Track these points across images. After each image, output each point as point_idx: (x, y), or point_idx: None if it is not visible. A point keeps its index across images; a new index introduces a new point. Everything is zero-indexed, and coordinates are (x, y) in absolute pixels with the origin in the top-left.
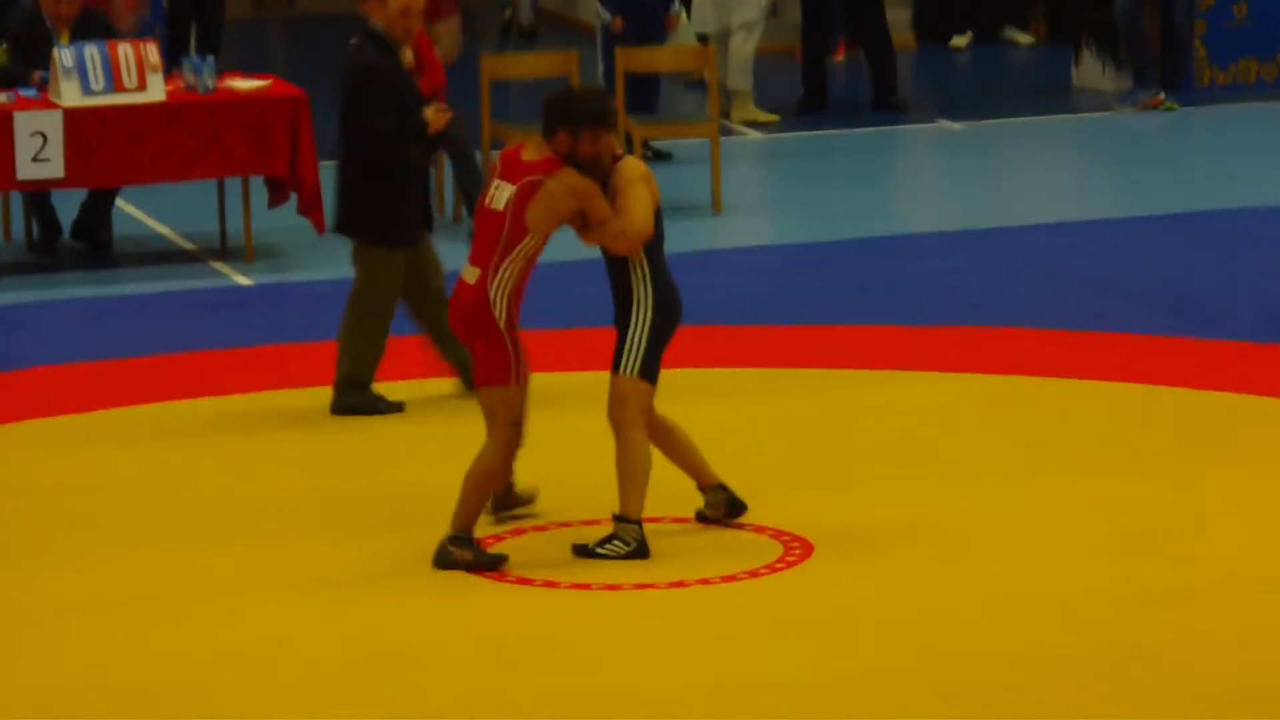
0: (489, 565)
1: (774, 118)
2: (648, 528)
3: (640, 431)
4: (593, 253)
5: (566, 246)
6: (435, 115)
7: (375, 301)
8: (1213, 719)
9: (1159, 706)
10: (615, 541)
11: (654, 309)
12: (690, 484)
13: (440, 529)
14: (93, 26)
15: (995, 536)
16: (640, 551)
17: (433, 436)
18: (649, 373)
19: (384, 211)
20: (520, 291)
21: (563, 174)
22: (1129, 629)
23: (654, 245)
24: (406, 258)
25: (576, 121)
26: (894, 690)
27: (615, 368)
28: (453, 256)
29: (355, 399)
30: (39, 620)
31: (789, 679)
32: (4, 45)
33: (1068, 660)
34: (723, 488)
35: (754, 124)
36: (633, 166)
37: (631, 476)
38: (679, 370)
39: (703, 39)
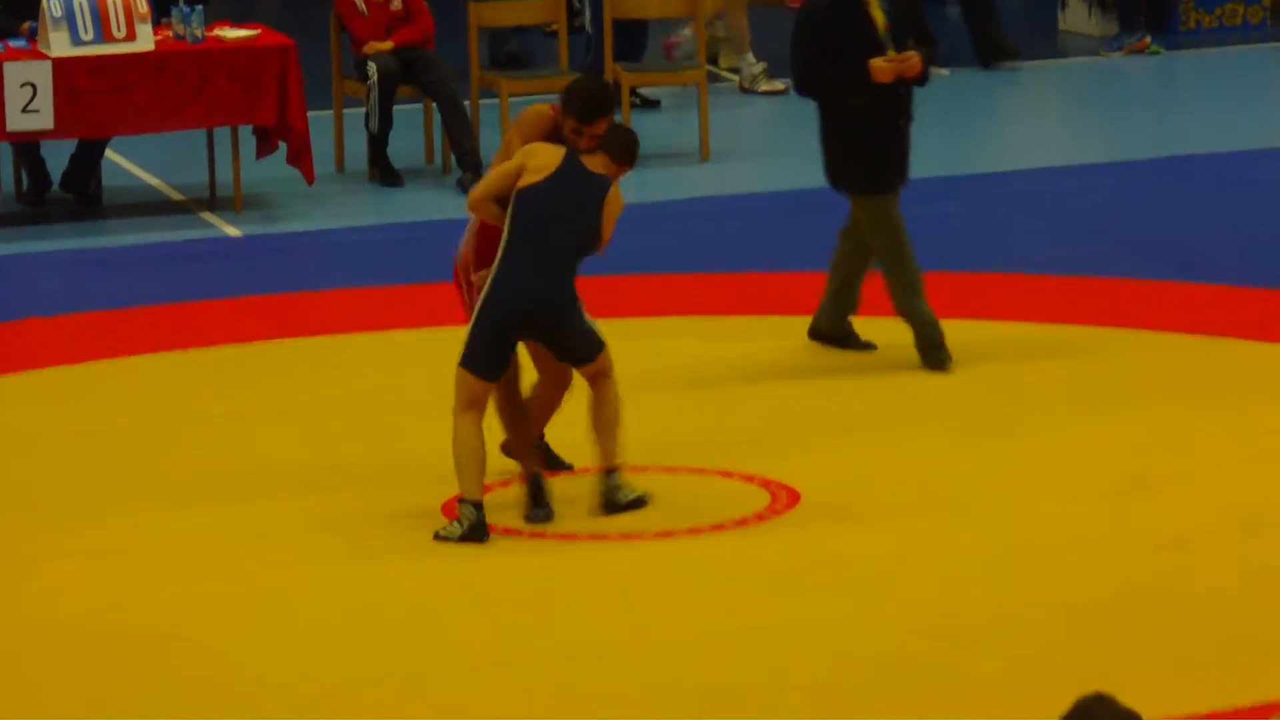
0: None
1: (781, 87)
2: (636, 477)
3: (462, 419)
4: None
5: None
6: (882, 64)
7: (890, 247)
8: (1220, 661)
9: (1162, 650)
10: (453, 524)
11: (484, 300)
12: (669, 432)
13: (435, 485)
14: None
15: (988, 484)
16: (475, 533)
17: (428, 387)
18: (469, 362)
19: (853, 160)
20: None
21: (616, 189)
22: (1125, 574)
23: (509, 237)
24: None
25: (634, 166)
26: (887, 636)
27: None
28: (443, 206)
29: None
30: (20, 569)
31: (779, 626)
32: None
33: (1067, 606)
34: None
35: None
36: (614, 197)
37: (458, 460)
38: (666, 319)
39: None
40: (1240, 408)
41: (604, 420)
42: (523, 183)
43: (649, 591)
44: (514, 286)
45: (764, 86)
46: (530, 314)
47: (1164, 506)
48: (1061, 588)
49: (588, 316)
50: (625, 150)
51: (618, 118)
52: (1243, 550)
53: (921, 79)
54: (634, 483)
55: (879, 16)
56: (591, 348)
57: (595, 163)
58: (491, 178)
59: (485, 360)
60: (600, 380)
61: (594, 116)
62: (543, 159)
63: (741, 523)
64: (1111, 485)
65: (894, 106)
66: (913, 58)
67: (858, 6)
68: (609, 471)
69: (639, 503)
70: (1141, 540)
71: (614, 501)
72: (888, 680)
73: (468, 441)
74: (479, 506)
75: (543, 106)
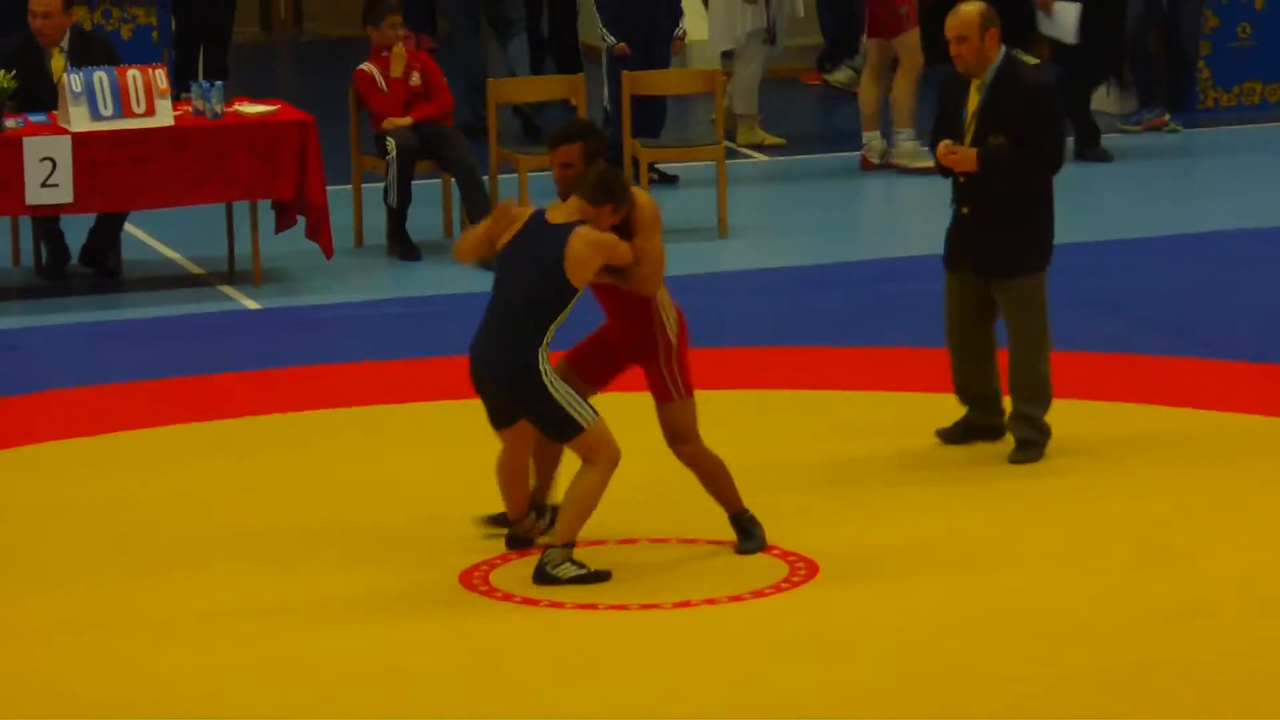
0: (593, 578)
1: (780, 140)
2: (656, 549)
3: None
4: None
5: None
6: (940, 149)
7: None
8: None
9: None
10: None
11: None
12: (703, 506)
13: (452, 555)
14: (93, 47)
15: (1004, 555)
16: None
17: (446, 461)
18: None
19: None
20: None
21: (581, 232)
22: (1141, 645)
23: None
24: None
25: (619, 200)
26: (903, 709)
27: None
28: (461, 280)
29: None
30: (36, 641)
31: (796, 698)
32: (11, 71)
33: (1081, 677)
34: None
35: (760, 147)
36: (647, 206)
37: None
38: None
39: (728, 56)
40: (1257, 482)
41: (569, 498)
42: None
43: (667, 662)
44: (471, 351)
45: (918, 164)
46: (479, 380)
47: (1181, 578)
48: (1078, 658)
49: (563, 393)
50: (595, 188)
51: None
52: (1260, 624)
53: (980, 175)
54: (588, 561)
55: (974, 100)
56: (565, 427)
57: (566, 211)
58: (661, 250)
59: (487, 413)
60: (585, 464)
61: (549, 144)
62: (514, 226)
63: (759, 594)
64: (1129, 557)
65: (956, 190)
66: (961, 152)
67: (964, 84)
68: (551, 547)
69: (584, 579)
70: (1158, 611)
71: (544, 572)
72: None
73: (497, 472)
74: (511, 523)
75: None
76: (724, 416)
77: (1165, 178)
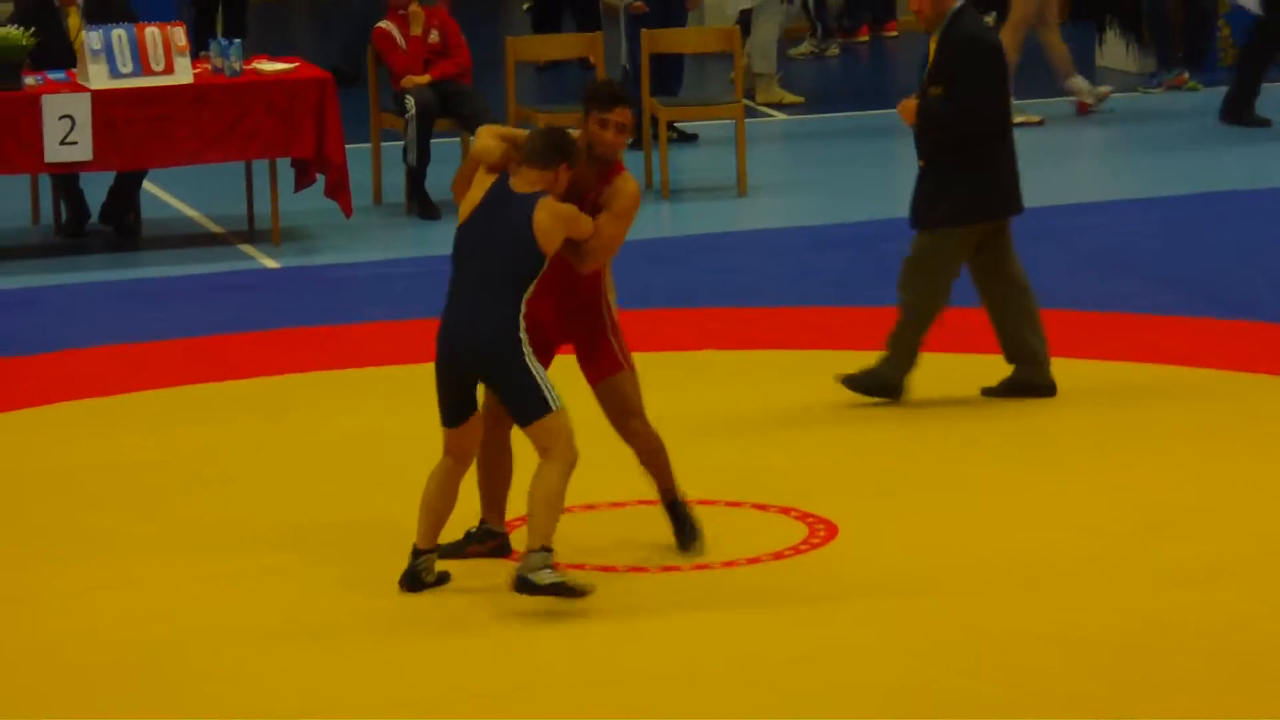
0: (571, 591)
1: (799, 99)
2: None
3: (437, 464)
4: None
5: None
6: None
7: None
8: (1245, 698)
9: (1189, 686)
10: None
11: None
12: (721, 467)
13: (473, 517)
14: (110, 8)
15: (1020, 516)
16: (405, 579)
17: None
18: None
19: None
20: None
21: (545, 203)
22: (1154, 607)
23: (453, 272)
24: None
25: (571, 156)
26: (920, 669)
27: None
28: None
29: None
30: (60, 601)
31: (813, 658)
32: (30, 29)
33: (1093, 639)
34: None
35: (779, 105)
36: (629, 193)
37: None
38: (702, 352)
39: (745, 15)
40: (1272, 443)
41: (536, 501)
42: (458, 221)
43: (685, 623)
44: (444, 325)
45: (1102, 90)
46: (455, 351)
47: (1193, 541)
48: (1088, 621)
49: (538, 371)
50: (543, 152)
51: (655, 152)
52: (1273, 586)
53: (918, 127)
54: (575, 576)
55: (932, 55)
56: (532, 405)
57: (527, 179)
58: (619, 235)
59: (441, 404)
60: (545, 457)
61: (605, 103)
62: (474, 193)
63: (778, 555)
64: (1141, 519)
65: (915, 144)
66: (905, 104)
67: (926, 44)
68: (530, 551)
69: (561, 589)
70: (1171, 573)
71: (526, 579)
72: (917, 711)
73: (425, 487)
74: (416, 553)
75: (494, 142)
76: (740, 376)
77: (1184, 136)
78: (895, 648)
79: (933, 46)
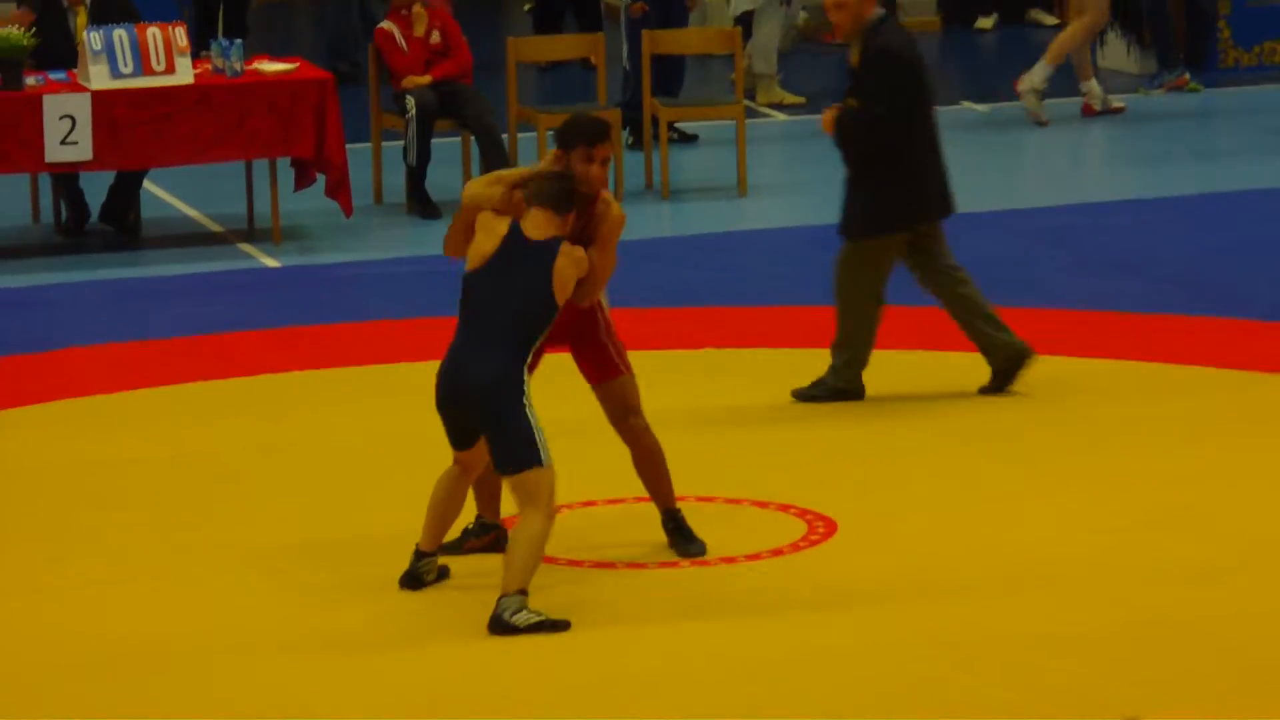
0: (551, 627)
1: (800, 99)
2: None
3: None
4: None
5: None
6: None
7: None
8: (1250, 696)
9: (1193, 682)
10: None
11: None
12: (719, 464)
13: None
14: (113, 8)
15: (1021, 514)
16: (405, 578)
17: None
18: None
19: None
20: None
21: (566, 250)
22: (1158, 605)
23: (458, 321)
24: None
25: (576, 206)
26: (921, 666)
27: None
28: None
29: None
30: (58, 597)
31: (812, 655)
32: (30, 29)
33: (1097, 636)
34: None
35: (780, 106)
36: (618, 219)
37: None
38: (704, 350)
39: (746, 16)
40: (1273, 441)
41: (517, 544)
42: (467, 267)
43: (684, 621)
44: (444, 369)
45: (1115, 104)
46: (454, 395)
47: (1196, 539)
48: (1091, 618)
49: (535, 422)
50: (559, 197)
51: (655, 152)
52: (1275, 584)
53: (839, 135)
54: (545, 609)
55: (854, 62)
56: (520, 455)
57: (539, 224)
58: (611, 266)
59: (448, 435)
60: (525, 508)
61: (595, 139)
62: (484, 242)
63: (777, 552)
64: (1141, 517)
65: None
66: (825, 115)
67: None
68: (505, 594)
69: (542, 628)
70: (1175, 571)
71: (505, 622)
72: (917, 709)
73: (433, 492)
74: (419, 555)
75: (487, 189)
76: (741, 374)
77: (1186, 138)
78: (896, 646)
79: (855, 55)
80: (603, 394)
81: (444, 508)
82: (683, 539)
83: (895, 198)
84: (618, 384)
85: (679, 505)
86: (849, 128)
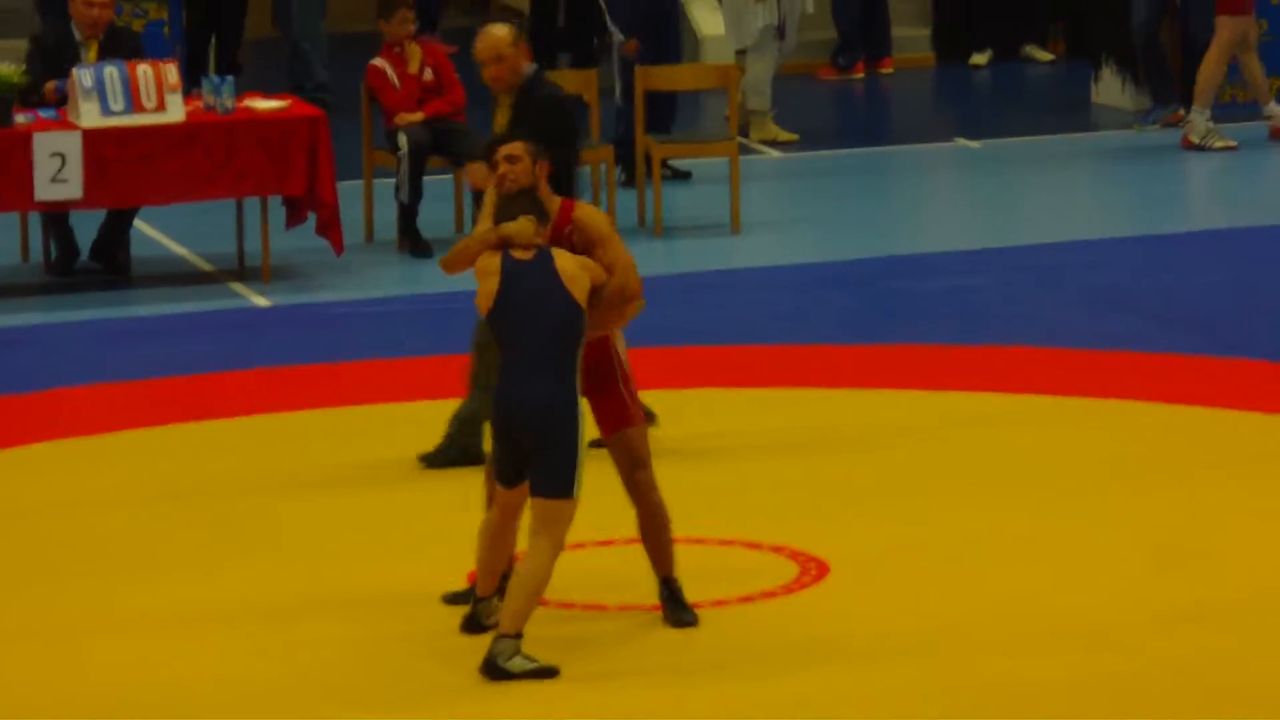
0: (543, 673)
1: (794, 136)
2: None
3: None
4: None
5: None
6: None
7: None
8: None
9: None
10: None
11: None
12: (713, 505)
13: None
14: (121, 42)
15: (1014, 557)
16: (465, 623)
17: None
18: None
19: None
20: None
21: (557, 252)
22: (1157, 648)
23: (502, 356)
24: None
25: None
26: (914, 711)
27: None
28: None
29: None
30: (48, 640)
31: (806, 701)
32: (22, 66)
33: (1094, 679)
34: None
35: (773, 143)
36: (601, 217)
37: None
38: (696, 390)
39: (741, 54)
40: (1274, 483)
41: (519, 583)
42: (482, 312)
43: (676, 663)
44: (498, 399)
45: (1218, 144)
46: (510, 417)
47: (1196, 580)
48: (1091, 660)
49: (582, 451)
50: (539, 207)
51: (648, 190)
52: (1270, 624)
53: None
54: (538, 654)
55: (504, 116)
56: (560, 483)
57: (521, 250)
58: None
59: (498, 465)
60: (538, 537)
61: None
62: (488, 284)
63: (769, 594)
64: (1142, 558)
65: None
66: (473, 168)
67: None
68: (502, 637)
69: (535, 675)
70: (1174, 613)
71: (499, 666)
72: None
73: (479, 540)
74: (475, 600)
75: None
76: (734, 414)
77: (1179, 174)
78: (891, 690)
79: (505, 111)
80: (614, 444)
81: (490, 555)
82: (676, 607)
83: None
84: (629, 435)
85: (674, 573)
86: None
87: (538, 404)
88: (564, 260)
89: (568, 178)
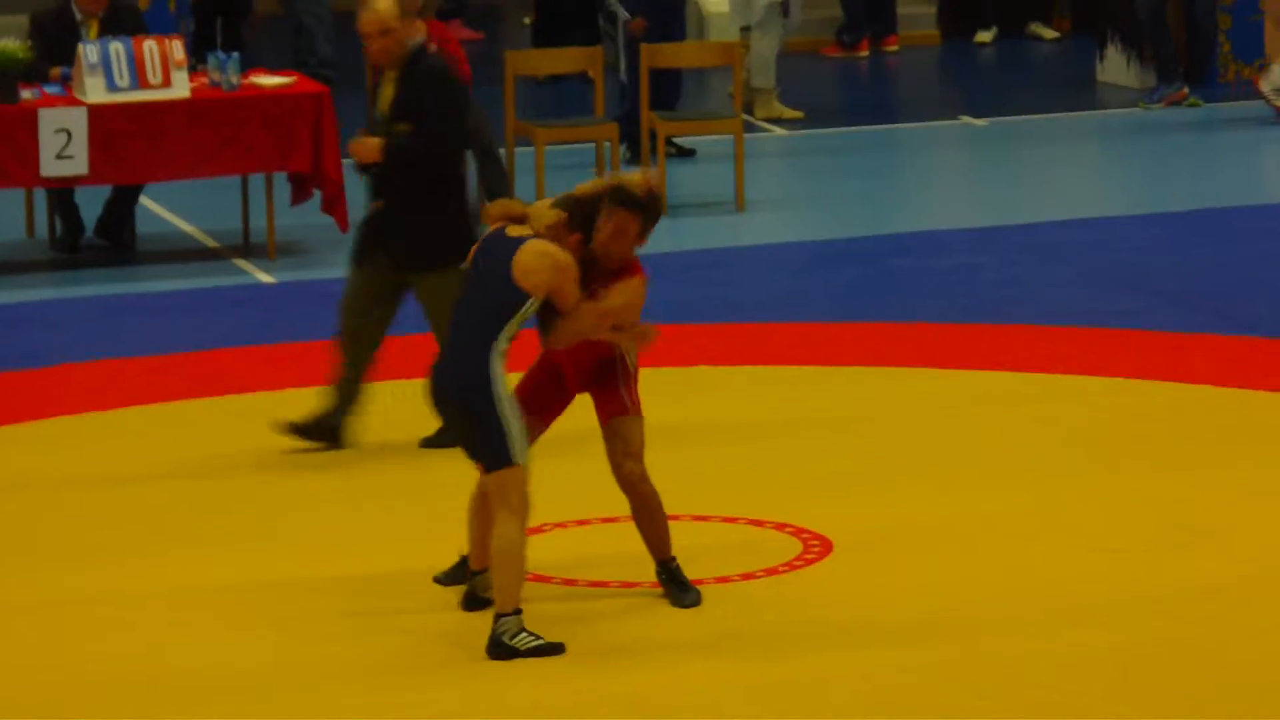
0: (550, 650)
1: (799, 114)
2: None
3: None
4: None
5: None
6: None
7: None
8: (1257, 715)
9: (1200, 703)
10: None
11: None
12: (716, 484)
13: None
14: (122, 20)
15: (1023, 534)
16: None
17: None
18: None
19: None
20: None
21: (532, 244)
22: (1160, 624)
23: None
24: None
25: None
26: (917, 686)
27: None
28: None
29: None
30: (53, 615)
31: (809, 677)
32: (28, 42)
33: (1097, 656)
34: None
35: (778, 120)
36: (633, 290)
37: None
38: (700, 368)
39: (746, 31)
40: (1278, 460)
41: (498, 562)
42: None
43: (677, 640)
44: (430, 370)
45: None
46: (436, 392)
47: (1200, 558)
48: (1094, 637)
49: (509, 419)
50: (582, 209)
51: (653, 167)
52: (1276, 603)
53: (385, 165)
54: (542, 631)
55: (389, 91)
56: (493, 454)
57: (529, 228)
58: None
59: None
60: (497, 509)
61: (652, 216)
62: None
63: (772, 571)
64: (1147, 535)
65: (370, 185)
66: (365, 143)
67: (380, 82)
68: (500, 616)
69: (541, 651)
70: (1177, 590)
71: (505, 645)
72: None
73: (468, 517)
74: (471, 574)
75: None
76: (738, 392)
77: (1185, 152)
78: (894, 665)
79: (392, 85)
80: (608, 431)
81: (482, 529)
82: (677, 589)
83: (463, 221)
84: (623, 422)
85: (673, 556)
86: (408, 151)
87: (457, 377)
88: (527, 252)
89: (460, 154)
